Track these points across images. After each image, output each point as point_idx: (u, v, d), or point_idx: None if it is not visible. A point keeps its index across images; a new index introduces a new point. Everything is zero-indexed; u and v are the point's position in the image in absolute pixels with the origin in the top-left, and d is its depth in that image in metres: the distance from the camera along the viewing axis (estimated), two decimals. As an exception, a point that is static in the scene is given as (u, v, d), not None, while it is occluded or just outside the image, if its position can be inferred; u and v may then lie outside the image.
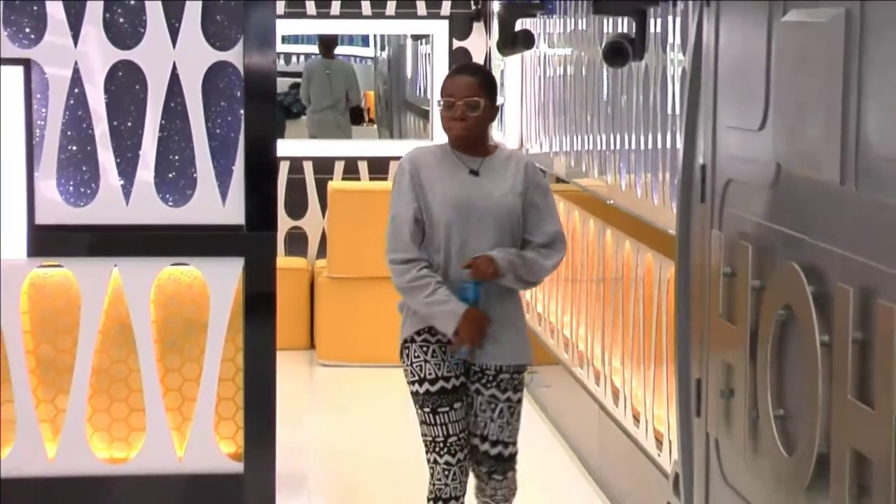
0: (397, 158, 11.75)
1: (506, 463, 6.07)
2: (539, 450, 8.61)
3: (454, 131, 6.03)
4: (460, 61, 11.61)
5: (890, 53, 3.62)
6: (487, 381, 6.02)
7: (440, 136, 11.73)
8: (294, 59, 15.62)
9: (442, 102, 6.03)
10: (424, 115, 12.72)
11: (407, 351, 6.06)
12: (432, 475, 6.02)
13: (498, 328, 5.98)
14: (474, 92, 6.00)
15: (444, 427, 5.97)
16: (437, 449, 5.99)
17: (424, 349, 6.00)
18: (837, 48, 3.88)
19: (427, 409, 6.00)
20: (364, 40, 15.91)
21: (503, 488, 6.09)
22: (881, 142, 3.67)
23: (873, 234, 3.73)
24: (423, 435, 6.05)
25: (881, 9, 3.62)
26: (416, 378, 6.01)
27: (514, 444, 6.12)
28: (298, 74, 15.45)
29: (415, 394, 6.05)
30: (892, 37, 3.60)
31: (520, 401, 6.12)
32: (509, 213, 6.02)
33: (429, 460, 6.06)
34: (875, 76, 3.70)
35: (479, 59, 11.66)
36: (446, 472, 5.97)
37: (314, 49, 14.67)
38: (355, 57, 16.38)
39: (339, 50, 15.40)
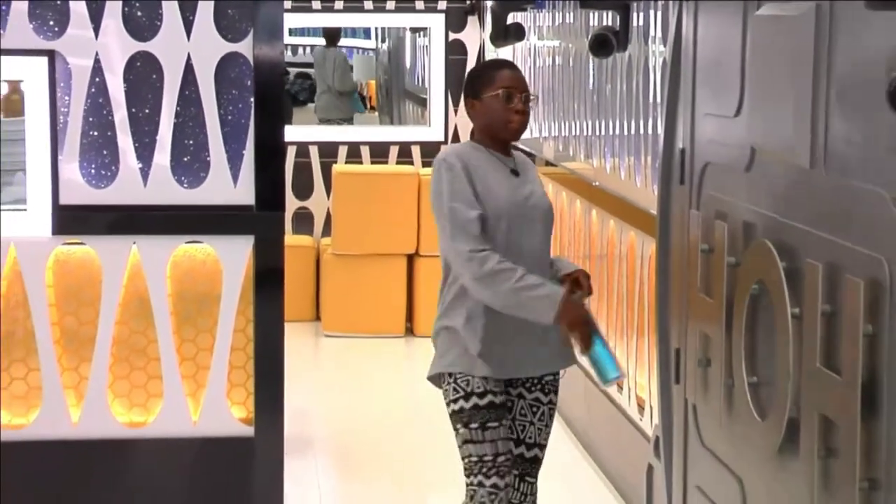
0: (397, 143, 11.90)
1: (538, 465, 5.56)
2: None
3: (514, 124, 5.38)
4: (456, 53, 11.61)
5: (856, 45, 3.61)
6: (531, 386, 5.47)
7: (437, 123, 11.78)
8: (301, 50, 15.60)
9: (501, 93, 5.33)
10: (422, 102, 12.71)
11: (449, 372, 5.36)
12: (472, 498, 5.22)
13: (545, 331, 5.33)
14: (528, 87, 5.55)
15: (493, 444, 5.21)
16: (486, 470, 5.20)
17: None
18: (808, 40, 3.87)
19: (475, 426, 5.21)
20: (366, 33, 15.91)
21: (532, 494, 5.51)
22: (848, 128, 3.67)
23: (840, 213, 3.73)
24: (468, 456, 5.25)
25: (848, 5, 3.61)
26: (463, 393, 5.25)
27: (547, 446, 5.63)
28: (305, 65, 15.48)
29: (459, 411, 5.26)
30: (859, 29, 3.59)
31: (556, 403, 5.61)
32: (550, 213, 5.56)
33: (471, 483, 5.24)
34: (842, 66, 3.70)
35: (473, 50, 11.66)
36: (493, 496, 5.19)
37: (320, 40, 14.71)
38: (358, 48, 16.37)
39: (343, 42, 15.41)
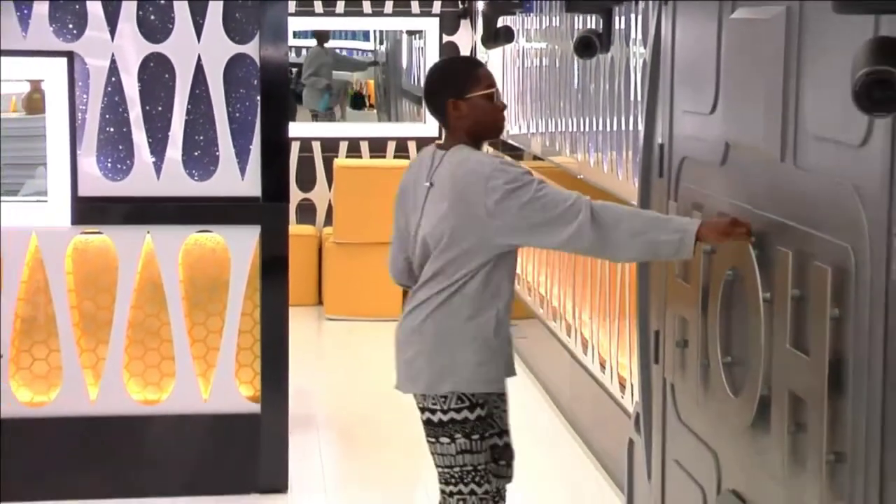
0: (394, 139, 11.89)
1: (511, 450, 5.19)
2: (517, 394, 8.60)
3: (501, 122, 4.99)
4: (449, 54, 11.60)
5: (824, 46, 3.62)
6: None
7: (431, 120, 11.74)
8: (304, 51, 15.60)
9: (489, 92, 4.89)
10: (418, 101, 12.69)
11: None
12: None
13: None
14: None
15: (484, 454, 4.86)
16: (478, 478, 4.83)
17: None
18: (778, 41, 3.88)
19: (476, 437, 4.80)
20: (365, 35, 15.88)
21: (510, 477, 5.20)
22: (817, 124, 3.67)
23: (809, 204, 3.73)
24: (463, 465, 4.81)
25: (818, 7, 3.62)
26: (468, 403, 4.80)
27: None
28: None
29: (463, 421, 4.79)
30: (826, 30, 3.59)
31: None
32: None
33: (460, 492, 4.82)
34: (811, 66, 3.71)
35: (465, 52, 11.64)
36: (479, 499, 4.83)
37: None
38: (357, 50, 16.35)
39: (344, 44, 15.43)
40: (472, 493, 4.80)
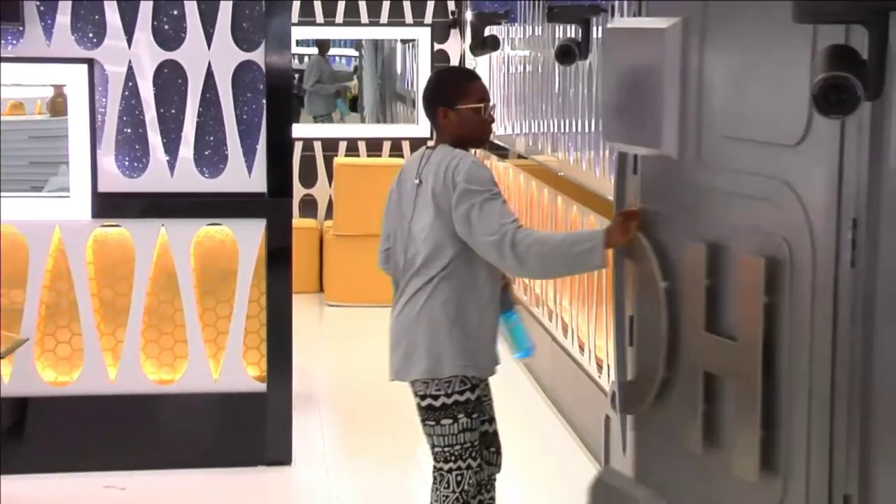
0: (389, 139, 11.89)
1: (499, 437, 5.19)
2: (504, 375, 8.62)
3: (487, 134, 4.98)
4: (440, 61, 11.60)
5: (729, 47, 3.59)
6: None
7: (424, 121, 11.75)
8: (306, 58, 15.58)
9: (490, 106, 4.93)
10: (412, 104, 12.68)
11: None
12: (460, 483, 4.80)
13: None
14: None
15: (479, 431, 4.89)
16: (474, 453, 4.83)
17: None
18: (673, 47, 3.85)
19: (475, 415, 4.83)
20: (351, 43, 15.88)
21: (499, 465, 5.18)
22: (757, 127, 3.63)
23: (739, 199, 3.67)
24: (462, 444, 4.81)
25: (716, 20, 3.59)
26: (469, 385, 4.80)
27: None
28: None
29: (465, 402, 4.80)
30: (727, 41, 3.57)
31: None
32: None
33: (458, 468, 4.81)
34: (716, 68, 3.67)
35: (455, 59, 11.64)
36: (474, 472, 4.83)
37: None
38: (355, 57, 16.35)
39: (344, 52, 15.43)
40: (469, 467, 4.81)
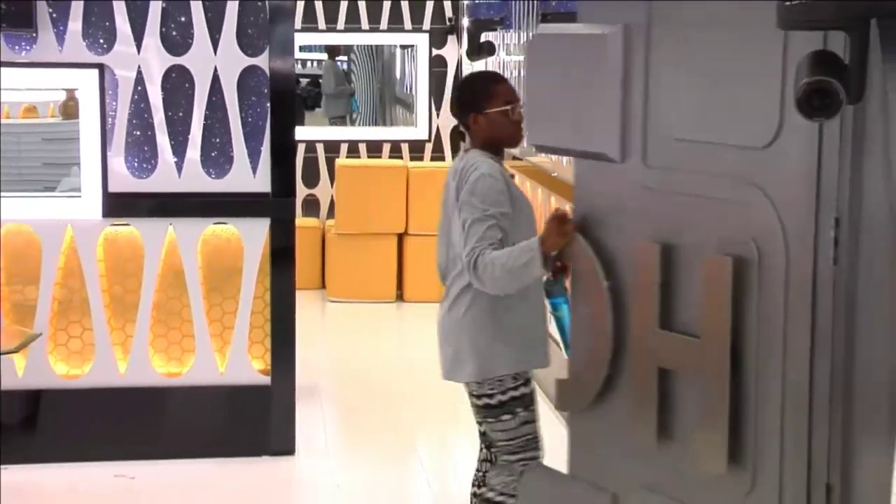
0: (389, 141, 11.88)
1: None
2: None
3: (518, 135, 4.87)
4: (438, 66, 11.60)
5: (678, 54, 3.59)
6: None
7: (422, 124, 11.76)
8: (309, 63, 15.56)
9: (506, 108, 4.80)
10: (409, 107, 12.68)
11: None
12: (523, 473, 4.58)
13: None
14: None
15: (536, 421, 4.81)
16: (537, 443, 4.77)
17: None
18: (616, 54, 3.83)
19: (532, 408, 4.76)
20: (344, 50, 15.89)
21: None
22: (722, 130, 3.61)
23: (705, 202, 3.64)
24: (525, 435, 4.75)
25: (663, 28, 3.58)
26: (523, 381, 4.74)
27: None
28: (311, 76, 15.44)
29: (521, 397, 4.73)
30: (679, 46, 3.56)
31: None
32: None
33: (523, 459, 4.74)
34: (664, 77, 3.66)
35: (452, 64, 11.63)
36: (538, 460, 4.74)
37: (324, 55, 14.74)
38: (344, 61, 16.32)
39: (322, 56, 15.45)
40: (534, 457, 4.73)
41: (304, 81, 15.43)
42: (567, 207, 7.35)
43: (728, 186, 3.47)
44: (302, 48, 14.18)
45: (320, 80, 14.95)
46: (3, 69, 6.29)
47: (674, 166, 3.66)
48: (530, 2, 8.38)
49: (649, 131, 3.73)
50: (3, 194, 6.39)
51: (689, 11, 3.60)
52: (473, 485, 4.99)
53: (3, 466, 6.13)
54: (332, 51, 14.46)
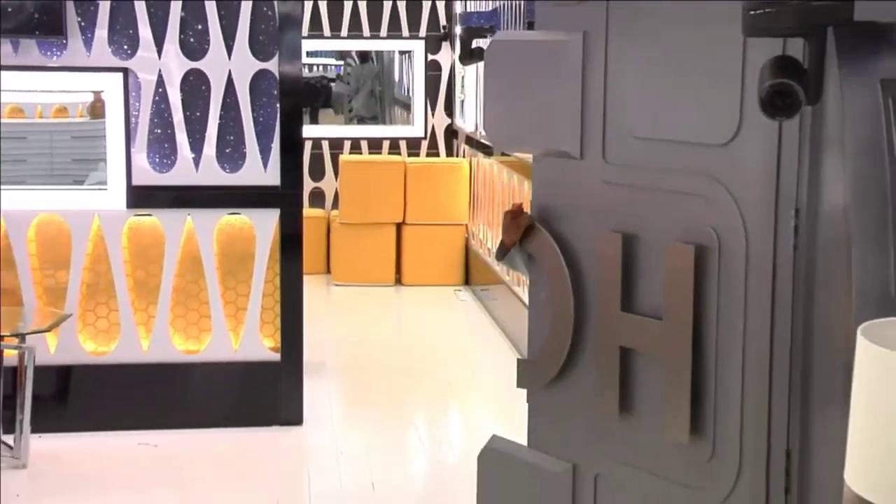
0: (388, 139, 11.88)
1: None
2: (488, 341, 8.66)
3: None
4: (433, 70, 11.59)
5: (642, 56, 3.58)
6: None
7: (419, 123, 11.75)
8: (315, 67, 15.52)
9: None
10: (407, 108, 12.66)
11: None
12: None
13: None
14: None
15: None
16: None
17: None
18: (575, 58, 3.83)
19: None
20: (339, 55, 15.84)
21: None
22: (688, 129, 3.61)
23: (671, 195, 3.65)
24: None
25: (627, 32, 3.59)
26: None
27: None
28: (316, 78, 15.38)
29: None
30: (627, 51, 3.56)
31: None
32: None
33: None
34: (623, 80, 3.66)
35: (446, 68, 11.62)
36: None
37: (329, 60, 14.67)
38: (340, 65, 16.26)
39: (322, 61, 15.37)
40: None
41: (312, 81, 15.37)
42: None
43: (688, 181, 3.47)
44: (309, 54, 14.12)
45: (340, 83, 14.85)
46: (36, 72, 6.30)
47: (633, 163, 3.66)
48: (517, 11, 8.37)
49: (608, 130, 3.72)
50: (35, 187, 6.40)
51: (649, 15, 3.59)
52: None
53: (37, 435, 6.14)
54: (364, 56, 14.38)
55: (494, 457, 4.26)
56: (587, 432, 3.91)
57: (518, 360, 4.12)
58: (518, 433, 6.97)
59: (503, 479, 4.23)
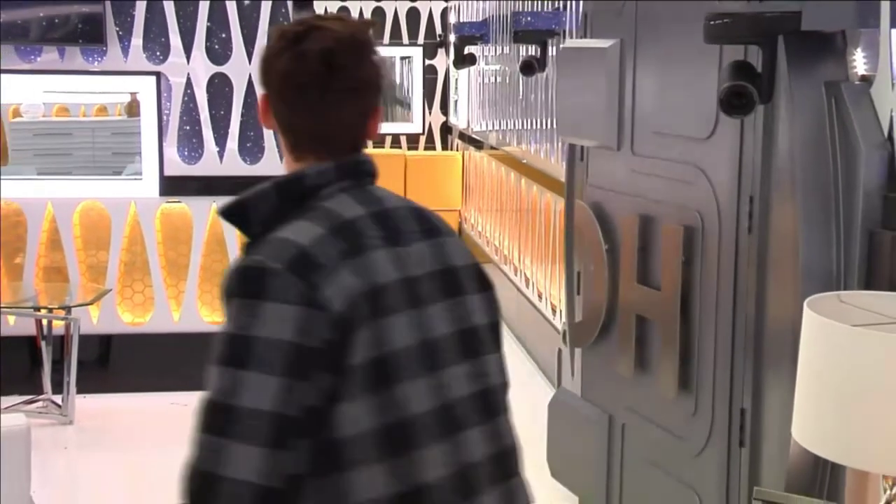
0: (390, 134, 11.87)
1: None
2: (479, 315, 8.64)
3: None
4: (430, 73, 11.57)
5: (656, 67, 3.60)
6: None
7: (417, 120, 11.73)
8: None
9: None
10: (407, 107, 12.65)
11: None
12: None
13: None
14: None
15: None
16: None
17: None
18: (613, 63, 3.85)
19: None
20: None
21: None
22: (654, 121, 3.64)
23: (664, 182, 3.70)
24: None
25: (643, 44, 3.59)
26: None
27: None
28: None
29: None
30: (651, 61, 3.57)
31: None
32: None
33: None
34: (647, 80, 3.68)
35: (441, 71, 11.61)
36: None
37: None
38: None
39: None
40: None
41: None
42: (534, 188, 7.37)
43: (683, 170, 3.53)
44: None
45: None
46: (80, 76, 6.30)
47: (651, 154, 3.72)
48: (504, 23, 8.36)
49: (636, 126, 3.79)
50: (80, 177, 6.40)
51: (658, 23, 3.66)
52: None
53: (82, 395, 6.15)
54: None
55: (558, 404, 4.50)
56: (616, 387, 4.02)
57: (568, 322, 4.34)
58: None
59: (564, 423, 4.46)
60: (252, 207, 1.98)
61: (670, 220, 3.58)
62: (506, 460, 1.87)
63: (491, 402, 1.89)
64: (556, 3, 6.66)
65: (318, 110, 1.85)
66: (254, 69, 6.50)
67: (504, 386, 1.95)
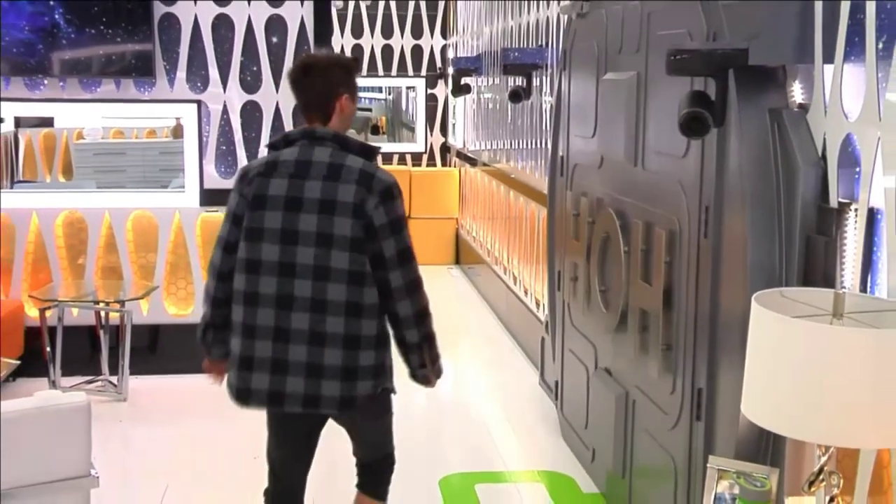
0: (398, 153, 11.87)
1: None
2: (475, 313, 8.65)
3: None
4: (431, 101, 11.57)
5: (657, 96, 3.62)
6: None
7: (420, 141, 11.72)
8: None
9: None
10: (412, 129, 12.65)
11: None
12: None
13: None
14: None
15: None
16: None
17: None
18: (631, 93, 3.88)
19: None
20: (379, 89, 15.78)
21: None
22: (655, 143, 3.68)
23: (651, 193, 3.75)
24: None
25: (656, 73, 3.62)
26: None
27: None
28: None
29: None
30: (659, 87, 3.60)
31: None
32: None
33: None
34: (651, 108, 3.71)
35: (441, 99, 11.61)
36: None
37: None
38: (376, 99, 16.22)
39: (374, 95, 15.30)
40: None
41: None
42: (521, 199, 7.37)
43: (669, 183, 3.55)
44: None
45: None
46: (133, 104, 6.30)
47: (653, 170, 3.74)
48: (495, 57, 8.37)
49: (646, 145, 3.81)
50: (132, 190, 6.39)
51: (660, 66, 3.71)
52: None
53: (134, 376, 6.16)
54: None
55: (600, 377, 4.46)
56: (629, 366, 4.04)
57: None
58: (499, 376, 6.98)
59: (601, 395, 4.43)
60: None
61: (660, 226, 3.61)
62: (323, 306, 3.00)
63: (318, 270, 3.01)
64: (540, 41, 6.67)
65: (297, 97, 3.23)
66: (281, 97, 6.53)
67: (326, 269, 3.00)
